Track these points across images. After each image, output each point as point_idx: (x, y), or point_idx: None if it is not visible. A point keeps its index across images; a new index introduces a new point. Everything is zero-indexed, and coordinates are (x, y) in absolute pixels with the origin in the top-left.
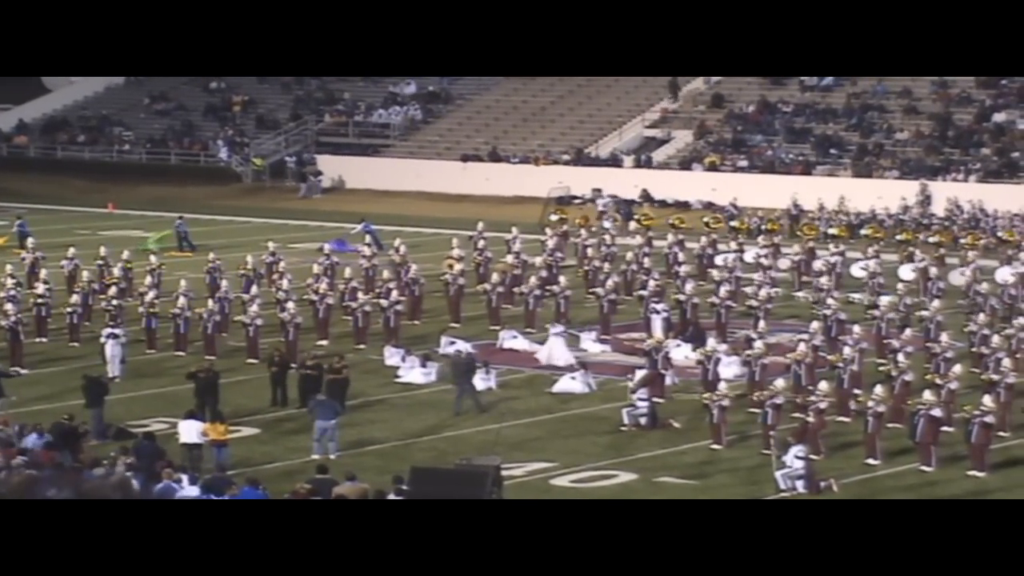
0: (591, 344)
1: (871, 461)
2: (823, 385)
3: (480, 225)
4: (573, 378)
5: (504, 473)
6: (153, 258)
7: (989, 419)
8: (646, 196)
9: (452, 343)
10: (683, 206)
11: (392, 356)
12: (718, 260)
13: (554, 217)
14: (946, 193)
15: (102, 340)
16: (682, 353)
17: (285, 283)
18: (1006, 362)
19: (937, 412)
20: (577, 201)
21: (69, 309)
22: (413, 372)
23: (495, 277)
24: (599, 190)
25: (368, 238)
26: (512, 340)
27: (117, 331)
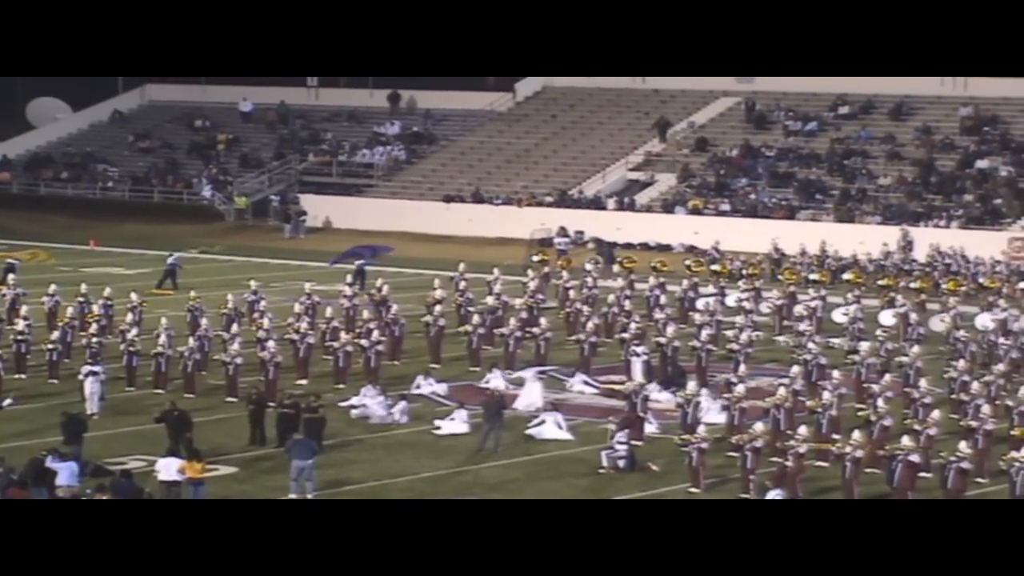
0: (579, 386)
1: None
2: (802, 429)
3: (462, 266)
4: (543, 421)
5: None
6: (134, 296)
7: (965, 465)
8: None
9: (430, 384)
10: (665, 249)
11: (366, 396)
12: (699, 303)
13: (536, 259)
14: (928, 239)
15: (81, 377)
16: (662, 397)
17: (266, 322)
18: (985, 408)
19: (915, 458)
20: (569, 244)
21: (49, 346)
22: (377, 410)
23: (476, 318)
24: (563, 228)
25: (349, 277)
26: (495, 380)
27: (97, 368)
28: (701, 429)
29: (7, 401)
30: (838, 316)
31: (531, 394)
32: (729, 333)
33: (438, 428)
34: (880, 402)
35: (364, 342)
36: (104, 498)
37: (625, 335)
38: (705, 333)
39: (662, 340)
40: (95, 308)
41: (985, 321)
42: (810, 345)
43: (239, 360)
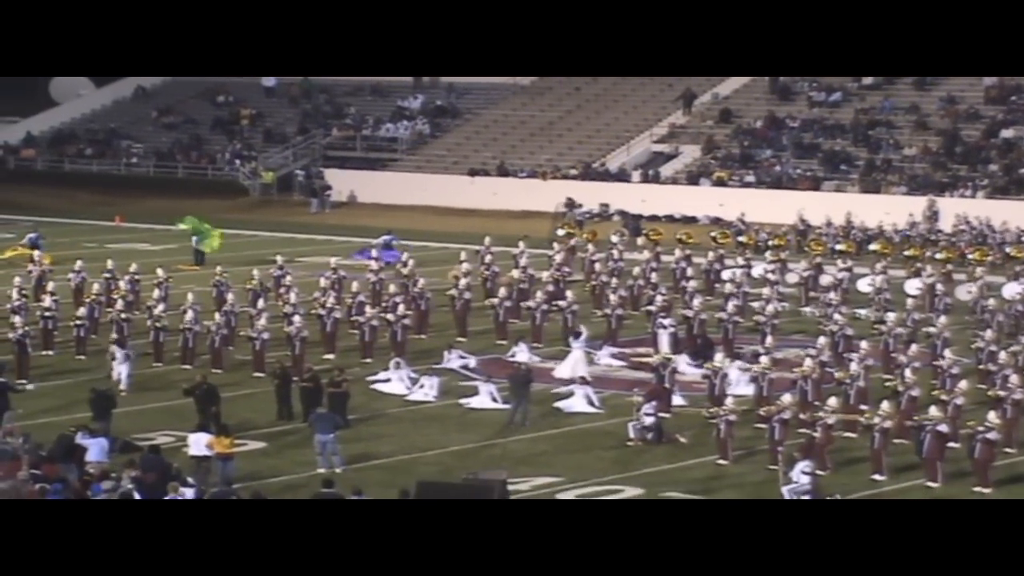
0: (607, 359)
1: (877, 477)
2: (830, 401)
3: (487, 239)
4: (572, 394)
5: (510, 487)
6: (160, 271)
7: (992, 435)
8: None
9: (461, 357)
10: (690, 221)
11: (391, 370)
12: (725, 275)
13: (561, 232)
14: (954, 209)
15: (109, 358)
16: (689, 369)
17: (292, 297)
18: (1013, 378)
19: (943, 428)
20: (585, 215)
21: (76, 322)
22: (397, 385)
23: (502, 292)
24: (571, 199)
25: (374, 252)
26: (521, 354)
27: (125, 351)
28: (729, 401)
29: (30, 386)
30: (864, 287)
31: (573, 364)
32: (755, 305)
33: (465, 404)
34: (908, 372)
35: (390, 316)
36: (133, 474)
37: (651, 307)
38: (732, 305)
39: (688, 312)
40: (122, 284)
41: (1012, 291)
42: (836, 316)
43: (266, 335)
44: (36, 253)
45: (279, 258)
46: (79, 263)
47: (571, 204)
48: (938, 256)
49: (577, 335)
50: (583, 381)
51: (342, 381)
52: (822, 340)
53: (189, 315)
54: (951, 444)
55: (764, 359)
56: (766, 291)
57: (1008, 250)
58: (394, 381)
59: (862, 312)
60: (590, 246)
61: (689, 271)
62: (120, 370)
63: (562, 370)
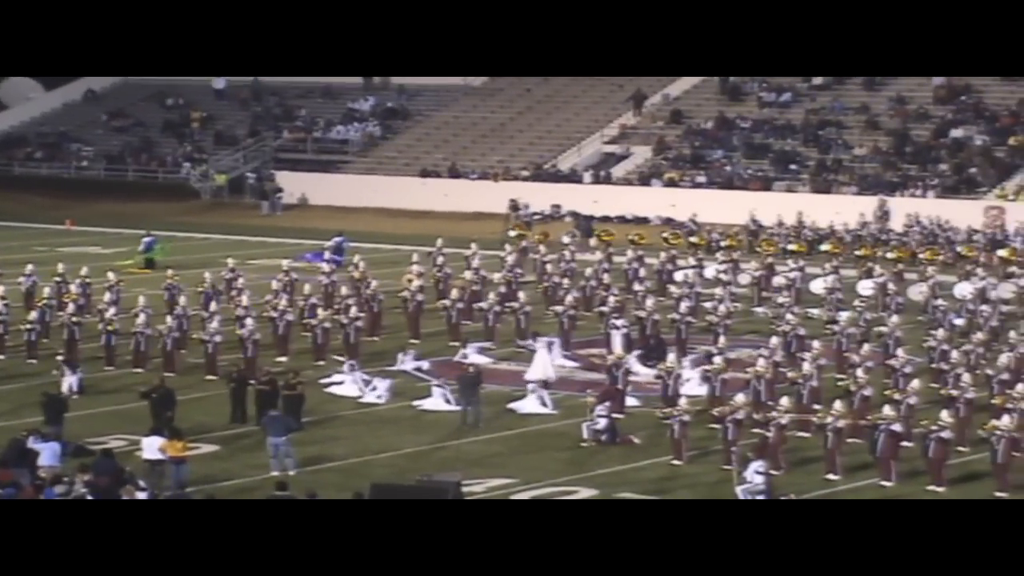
0: (560, 360)
1: (831, 476)
2: (783, 400)
3: (439, 241)
4: (525, 396)
5: (464, 489)
6: (111, 275)
7: (946, 434)
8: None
9: (413, 360)
10: (642, 222)
11: (344, 372)
12: (677, 276)
13: (513, 233)
14: (904, 209)
15: (56, 372)
16: (642, 370)
17: (244, 299)
18: (965, 377)
19: (897, 427)
20: (532, 216)
21: (27, 326)
22: (350, 387)
23: (454, 293)
24: (515, 201)
25: (327, 254)
26: (475, 355)
27: (74, 367)
28: (682, 402)
29: None
30: (816, 287)
31: (542, 366)
32: (708, 305)
33: (418, 406)
34: (860, 372)
35: (343, 318)
36: (86, 478)
37: (604, 308)
38: (684, 305)
39: (641, 313)
40: (73, 288)
41: (963, 290)
42: (789, 316)
43: (218, 338)
44: None
45: (231, 261)
46: (29, 267)
47: (515, 206)
48: (889, 256)
49: (535, 335)
50: (542, 383)
51: (297, 383)
52: (775, 340)
53: (141, 318)
54: (905, 443)
55: (717, 359)
56: (718, 291)
57: (959, 249)
58: (347, 383)
59: (814, 312)
60: (542, 247)
61: (641, 272)
62: (71, 381)
63: (532, 373)
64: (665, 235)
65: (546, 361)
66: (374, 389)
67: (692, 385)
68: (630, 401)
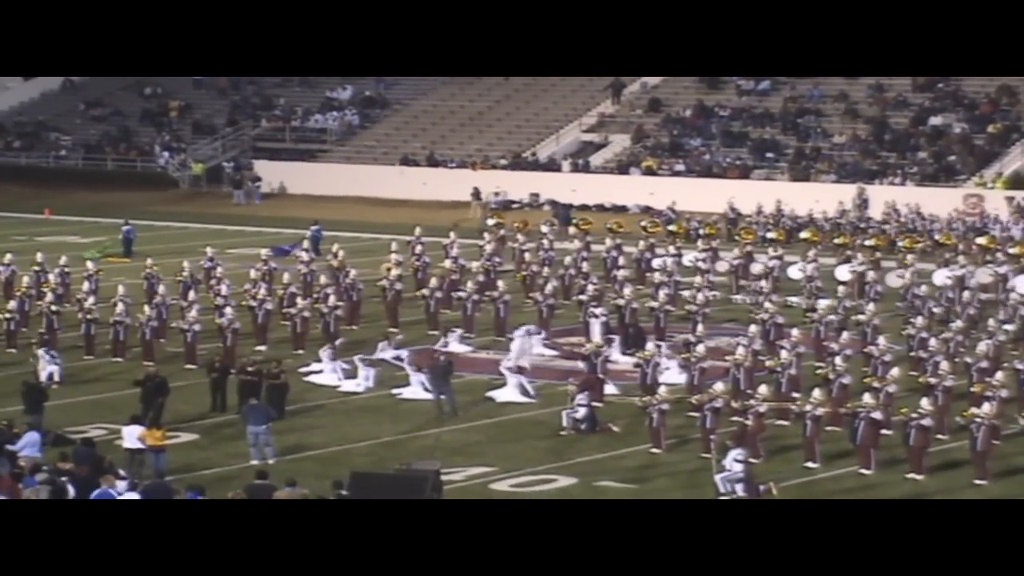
0: (539, 348)
1: (810, 464)
2: (762, 389)
3: (418, 230)
4: (504, 384)
5: (443, 478)
6: (90, 264)
7: (926, 422)
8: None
9: (394, 348)
10: (621, 210)
11: (324, 361)
12: (656, 264)
13: (491, 221)
14: (883, 197)
15: (33, 360)
16: (621, 358)
17: (223, 288)
18: (944, 365)
19: (876, 415)
20: (499, 204)
21: (6, 315)
22: (329, 376)
23: (433, 282)
24: (477, 188)
25: (306, 243)
26: (453, 344)
27: (50, 350)
28: (661, 390)
29: None
30: (795, 275)
31: (517, 354)
32: (687, 293)
33: (398, 394)
34: (839, 360)
35: (322, 307)
36: (67, 467)
37: (583, 297)
38: (663, 294)
39: (620, 301)
40: (51, 277)
41: (942, 278)
42: (768, 304)
43: (197, 327)
44: None
45: (209, 250)
46: (8, 256)
47: (476, 194)
48: (868, 244)
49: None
50: (519, 371)
51: (280, 373)
52: (753, 328)
53: (120, 307)
54: (884, 431)
55: (697, 348)
56: (697, 280)
57: (938, 237)
58: (327, 372)
59: (793, 300)
60: (520, 236)
61: (620, 260)
62: (50, 370)
63: (508, 361)
64: (644, 223)
65: (523, 349)
66: (366, 378)
67: (671, 373)
68: (609, 389)
